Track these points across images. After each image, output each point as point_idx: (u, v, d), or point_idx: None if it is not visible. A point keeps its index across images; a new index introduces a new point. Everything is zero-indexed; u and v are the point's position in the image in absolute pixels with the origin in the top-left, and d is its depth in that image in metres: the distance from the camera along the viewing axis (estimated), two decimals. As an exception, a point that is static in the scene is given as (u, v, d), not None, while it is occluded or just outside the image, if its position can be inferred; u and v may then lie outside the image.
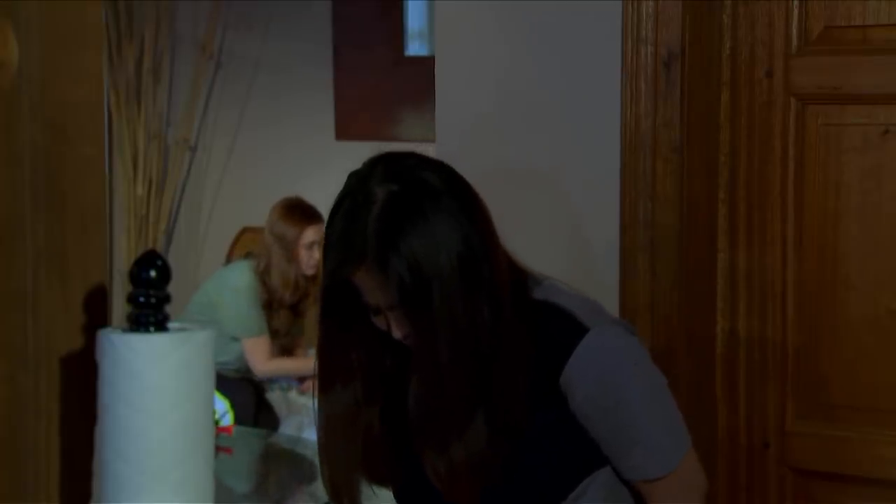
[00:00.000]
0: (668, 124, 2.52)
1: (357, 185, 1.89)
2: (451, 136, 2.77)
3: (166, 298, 1.56)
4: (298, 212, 5.28)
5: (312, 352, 5.48)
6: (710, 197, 2.58)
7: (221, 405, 5.02)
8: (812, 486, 2.58)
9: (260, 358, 5.23)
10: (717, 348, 2.61)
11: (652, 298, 2.56)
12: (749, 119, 2.56)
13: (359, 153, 6.76)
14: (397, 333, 1.90)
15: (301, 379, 5.33)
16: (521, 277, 1.96)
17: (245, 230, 6.01)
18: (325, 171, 6.04)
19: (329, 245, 1.90)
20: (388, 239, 1.83)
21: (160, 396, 1.48)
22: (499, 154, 2.73)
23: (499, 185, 2.75)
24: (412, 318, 1.87)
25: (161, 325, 1.54)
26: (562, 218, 2.68)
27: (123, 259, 6.08)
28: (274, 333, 5.27)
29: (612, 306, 2.61)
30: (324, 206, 5.71)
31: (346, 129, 5.99)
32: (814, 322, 2.55)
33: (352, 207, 1.87)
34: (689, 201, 2.55)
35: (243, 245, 5.90)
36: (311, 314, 5.41)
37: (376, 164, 1.91)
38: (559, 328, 1.91)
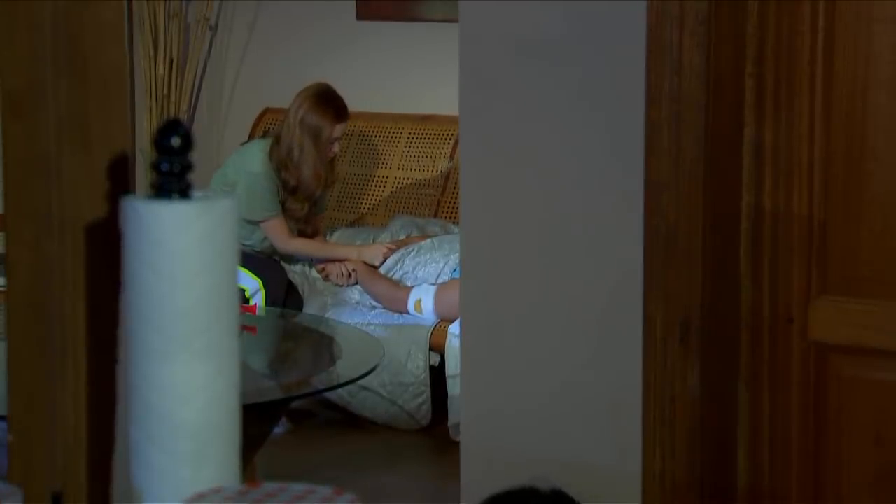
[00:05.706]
0: (696, -5, 2.48)
1: (526, 486, 2.09)
2: (474, 14, 2.73)
3: (189, 166, 1.56)
4: (333, 107, 5.18)
5: (332, 236, 5.50)
6: (736, 70, 2.55)
7: (254, 283, 5.05)
8: (835, 360, 2.58)
9: (281, 236, 5.24)
10: (742, 223, 2.59)
11: (677, 173, 2.54)
12: (778, -10, 2.52)
13: (380, 33, 6.66)
14: None
15: (318, 261, 5.33)
16: None
17: (267, 111, 5.98)
18: (346, 51, 5.99)
19: None
20: None
21: (185, 263, 1.49)
22: (521, 31, 2.70)
23: (521, 62, 2.72)
24: None
25: (185, 193, 1.54)
26: (586, 92, 2.65)
27: (146, 139, 6.06)
28: (290, 214, 5.27)
29: (636, 181, 2.59)
30: (345, 87, 5.64)
31: (367, 9, 5.93)
32: (840, 196, 2.52)
33: (515, 491, 2.06)
34: (715, 74, 2.52)
35: (265, 126, 5.87)
36: (326, 197, 5.42)
37: (550, 489, 2.12)
38: None
